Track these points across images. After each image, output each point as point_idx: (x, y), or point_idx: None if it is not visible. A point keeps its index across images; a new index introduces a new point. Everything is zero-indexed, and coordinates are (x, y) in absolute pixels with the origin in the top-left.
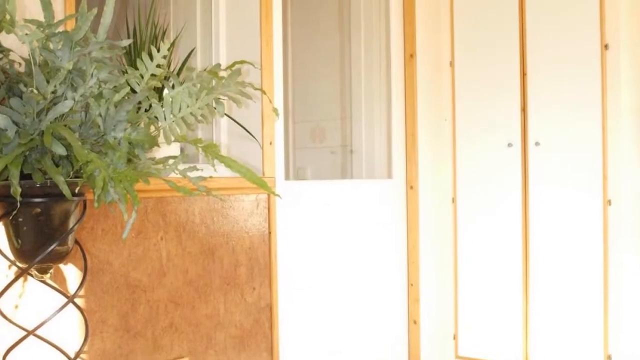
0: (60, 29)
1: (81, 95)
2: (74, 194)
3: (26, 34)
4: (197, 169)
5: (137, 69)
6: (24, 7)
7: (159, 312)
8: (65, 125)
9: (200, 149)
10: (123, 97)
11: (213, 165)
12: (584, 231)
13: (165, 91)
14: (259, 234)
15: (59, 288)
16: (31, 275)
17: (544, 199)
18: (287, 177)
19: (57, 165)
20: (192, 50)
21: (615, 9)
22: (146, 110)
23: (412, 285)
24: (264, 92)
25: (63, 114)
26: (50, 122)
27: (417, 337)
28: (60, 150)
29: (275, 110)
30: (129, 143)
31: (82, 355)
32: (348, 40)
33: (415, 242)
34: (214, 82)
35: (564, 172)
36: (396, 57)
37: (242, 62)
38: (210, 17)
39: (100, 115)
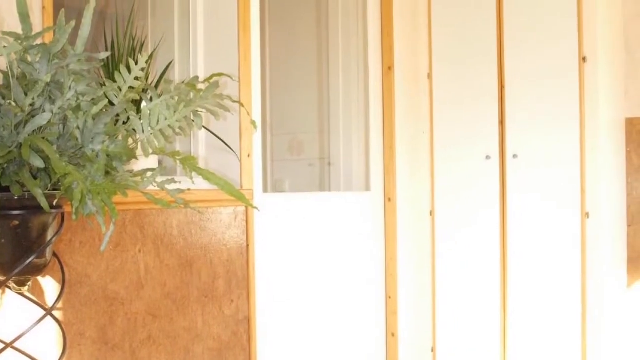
0: (38, 41)
1: (59, 108)
2: (52, 207)
3: (4, 47)
4: (175, 182)
5: (115, 81)
6: (2, 20)
7: (137, 324)
8: (43, 138)
9: (178, 161)
10: (101, 110)
11: (191, 178)
12: (562, 244)
13: (143, 104)
14: (237, 246)
15: (37, 300)
16: (9, 288)
17: (522, 212)
18: (265, 190)
19: (35, 178)
20: (170, 63)
21: (593, 22)
22: (124, 123)
23: (390, 297)
24: (242, 105)
25: (41, 127)
26: (28, 135)
27: (395, 350)
28: (38, 162)
29: (253, 122)
30: (107, 155)
31: None
32: (326, 53)
33: (394, 255)
34: (192, 94)
35: (542, 185)
36: (374, 69)
37: (220, 74)
38: (188, 29)
39: (78, 127)
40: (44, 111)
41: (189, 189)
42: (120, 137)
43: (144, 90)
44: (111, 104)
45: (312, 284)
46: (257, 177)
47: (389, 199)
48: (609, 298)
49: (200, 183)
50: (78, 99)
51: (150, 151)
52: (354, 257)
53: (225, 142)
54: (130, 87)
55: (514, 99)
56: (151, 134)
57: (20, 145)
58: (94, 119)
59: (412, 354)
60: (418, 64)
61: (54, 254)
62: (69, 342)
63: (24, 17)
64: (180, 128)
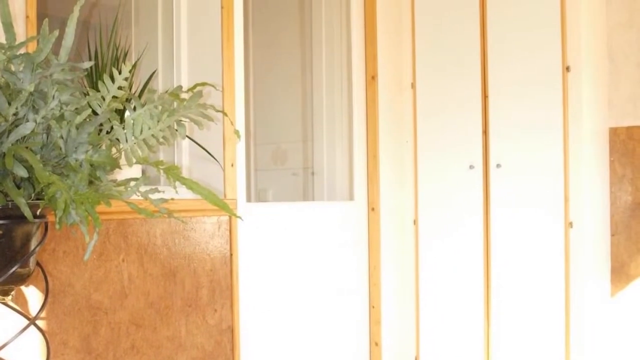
0: (22, 51)
1: (43, 117)
2: (35, 216)
3: None
4: (159, 191)
5: (98, 91)
6: None
7: (121, 334)
8: (27, 147)
9: (161, 171)
10: (84, 119)
11: (174, 187)
12: (546, 254)
13: (127, 113)
14: (220, 255)
15: (21, 310)
16: None
17: (505, 221)
18: (248, 199)
19: (18, 187)
20: (153, 72)
21: (576, 31)
22: (108, 132)
23: (373, 307)
24: (225, 114)
25: (24, 136)
26: (12, 144)
27: (378, 359)
28: (21, 172)
29: (236, 132)
30: (91, 165)
31: None
32: (309, 63)
33: (377, 264)
34: (175, 104)
35: (525, 195)
36: (357, 79)
37: (203, 84)
38: (171, 39)
39: (61, 137)
40: (27, 121)
41: (172, 199)
42: (103, 147)
43: (128, 100)
44: (95, 113)
45: (295, 294)
46: (241, 187)
47: (373, 209)
48: (592, 307)
49: (183, 192)
50: (62, 108)
51: (134, 161)
52: (338, 266)
53: (209, 151)
54: (114, 97)
55: (498, 109)
56: (135, 143)
57: (3, 155)
58: (77, 128)
59: None
60: (401, 74)
61: (38, 264)
62: (52, 351)
63: (8, 26)
64: (163, 137)
